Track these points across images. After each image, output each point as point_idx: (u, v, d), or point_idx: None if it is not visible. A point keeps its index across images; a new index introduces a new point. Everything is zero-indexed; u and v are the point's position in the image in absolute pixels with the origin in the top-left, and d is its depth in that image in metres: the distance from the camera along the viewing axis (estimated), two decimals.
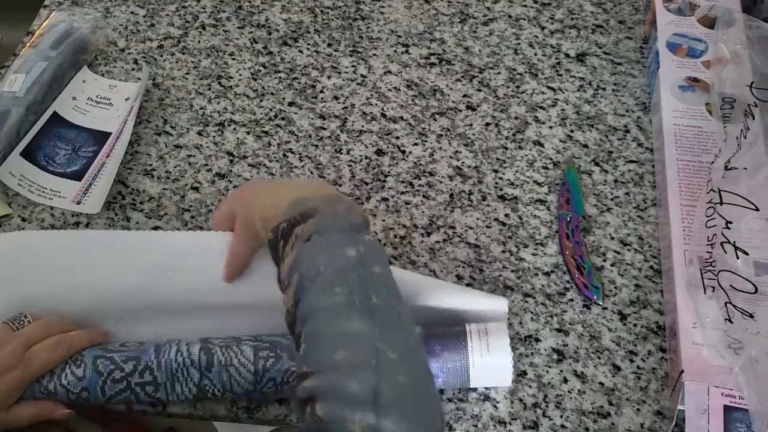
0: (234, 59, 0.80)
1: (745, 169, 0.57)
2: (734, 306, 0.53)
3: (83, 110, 0.74)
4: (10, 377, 0.50)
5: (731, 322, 0.53)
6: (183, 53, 0.81)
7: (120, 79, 0.78)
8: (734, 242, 0.54)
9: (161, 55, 0.80)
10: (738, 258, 0.54)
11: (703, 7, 0.73)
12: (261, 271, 0.54)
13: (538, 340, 0.59)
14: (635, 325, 0.60)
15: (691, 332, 0.54)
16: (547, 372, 0.58)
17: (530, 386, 0.57)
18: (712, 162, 0.60)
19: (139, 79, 0.77)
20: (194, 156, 0.72)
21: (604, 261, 0.64)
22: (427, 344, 0.53)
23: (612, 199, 0.67)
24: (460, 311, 0.56)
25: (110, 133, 0.72)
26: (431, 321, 0.55)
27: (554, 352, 0.59)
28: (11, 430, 0.52)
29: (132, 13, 0.85)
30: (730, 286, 0.54)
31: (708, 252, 0.56)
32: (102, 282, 0.56)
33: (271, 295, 0.48)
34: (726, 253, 0.54)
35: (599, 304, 0.61)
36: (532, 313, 0.61)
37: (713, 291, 0.54)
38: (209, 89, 0.77)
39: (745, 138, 0.59)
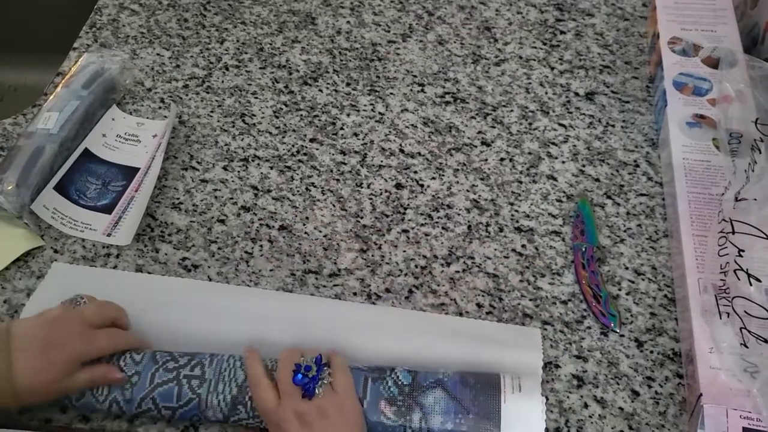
0: (257, 98, 0.83)
1: (755, 200, 0.60)
2: (749, 331, 0.55)
3: (112, 146, 0.77)
4: (73, 344, 0.53)
5: (746, 347, 0.55)
6: (207, 92, 0.84)
7: (147, 117, 0.81)
8: (747, 270, 0.57)
9: (186, 95, 0.84)
10: (751, 285, 0.56)
11: (706, 48, 0.77)
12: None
13: (558, 366, 0.61)
14: (652, 351, 0.62)
15: (708, 357, 0.56)
16: (568, 398, 0.59)
17: (552, 411, 0.58)
18: (723, 194, 0.63)
19: (165, 117, 0.81)
20: (220, 190, 0.74)
21: (620, 290, 0.66)
22: (461, 392, 0.54)
23: (625, 231, 0.70)
24: (494, 359, 0.58)
25: (138, 169, 0.75)
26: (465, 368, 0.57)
27: (574, 378, 0.60)
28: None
29: (158, 54, 0.88)
30: (745, 312, 0.56)
31: (721, 279, 0.58)
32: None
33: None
34: (739, 280, 0.56)
35: (616, 332, 0.63)
36: (551, 340, 0.63)
37: (728, 317, 0.56)
38: (233, 126, 0.80)
39: (753, 171, 0.61)
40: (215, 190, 0.74)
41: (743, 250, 0.58)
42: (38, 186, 0.71)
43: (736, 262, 0.57)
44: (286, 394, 0.52)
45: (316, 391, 0.52)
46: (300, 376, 0.52)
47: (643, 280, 0.66)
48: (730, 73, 0.72)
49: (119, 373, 0.55)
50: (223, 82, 0.85)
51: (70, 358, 0.53)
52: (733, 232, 0.58)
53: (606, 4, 0.91)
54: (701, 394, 0.54)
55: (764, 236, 0.58)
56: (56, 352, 0.53)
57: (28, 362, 0.52)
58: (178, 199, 0.74)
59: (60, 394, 0.55)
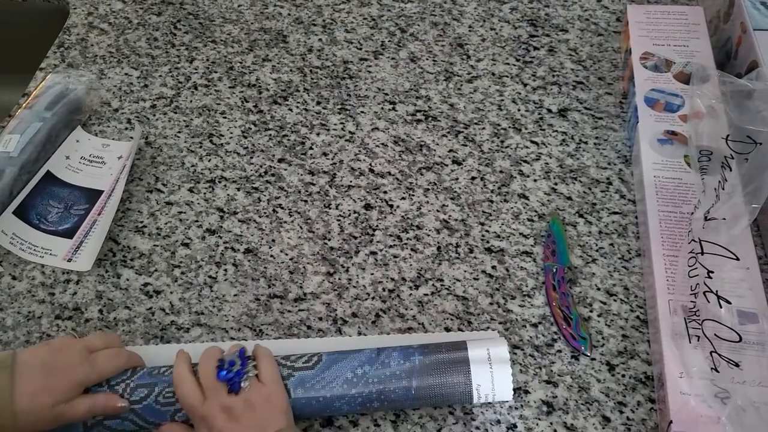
0: (225, 117, 0.82)
1: (724, 219, 0.59)
2: (719, 355, 0.54)
3: (76, 169, 0.75)
4: (77, 372, 0.53)
5: (717, 371, 0.53)
6: (175, 112, 0.82)
7: (113, 138, 0.79)
8: (717, 291, 0.55)
9: (154, 115, 0.82)
10: (721, 307, 0.55)
11: (678, 63, 0.76)
12: None
13: (527, 392, 0.59)
14: (623, 375, 0.60)
15: (678, 382, 0.54)
16: (537, 425, 0.58)
17: None
18: (692, 213, 0.62)
19: (131, 138, 0.79)
20: (185, 213, 0.73)
21: (591, 311, 0.64)
22: (429, 360, 0.55)
23: (597, 250, 0.68)
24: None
25: (102, 191, 0.73)
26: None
27: (543, 404, 0.59)
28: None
29: (126, 74, 0.87)
30: (715, 335, 0.54)
31: (692, 301, 0.57)
32: None
33: None
34: (709, 302, 0.55)
35: (587, 355, 0.61)
36: (520, 364, 0.61)
37: (698, 340, 0.55)
38: (200, 147, 0.79)
39: (723, 189, 0.60)
40: (180, 212, 0.73)
41: (713, 271, 0.56)
42: None
43: (705, 283, 0.56)
44: (210, 390, 0.52)
45: (242, 385, 0.52)
46: (224, 372, 0.52)
47: (615, 301, 0.65)
48: (701, 89, 0.71)
49: (120, 401, 0.54)
50: (191, 101, 0.84)
51: (70, 383, 0.53)
52: (702, 253, 0.57)
53: (580, 20, 0.90)
54: (671, 421, 0.52)
55: (734, 257, 0.57)
56: (57, 376, 0.53)
57: (28, 384, 0.52)
58: (141, 222, 0.72)
59: (59, 421, 0.54)
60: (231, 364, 0.53)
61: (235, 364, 0.52)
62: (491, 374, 0.54)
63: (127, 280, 0.67)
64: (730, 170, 0.62)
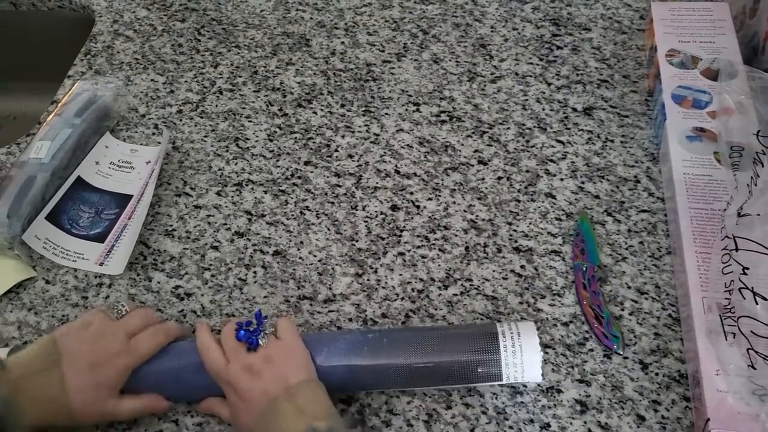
0: (250, 121, 0.82)
1: (758, 215, 0.58)
2: (756, 352, 0.53)
3: (106, 174, 0.76)
4: (118, 362, 0.54)
5: (754, 368, 0.53)
6: (201, 117, 0.83)
7: (141, 144, 0.80)
8: (752, 288, 0.55)
9: (180, 120, 0.83)
10: (757, 304, 0.54)
11: (705, 60, 0.75)
12: None
13: (560, 391, 0.59)
14: (657, 374, 0.60)
15: (714, 380, 0.54)
16: (571, 424, 0.57)
17: None
18: (725, 209, 0.61)
19: (159, 143, 0.80)
20: (213, 216, 0.73)
21: (622, 310, 0.64)
22: (459, 341, 0.56)
23: (626, 249, 0.68)
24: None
25: (132, 196, 0.74)
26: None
27: (577, 403, 0.58)
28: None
29: (152, 80, 0.88)
30: (751, 332, 0.54)
31: (726, 298, 0.56)
32: None
33: None
34: (744, 299, 0.54)
35: (620, 354, 0.61)
36: (552, 364, 0.61)
37: (734, 337, 0.54)
38: (227, 151, 0.79)
39: (755, 185, 0.60)
40: (209, 216, 0.74)
41: (748, 268, 0.56)
42: (30, 216, 0.70)
43: (740, 280, 0.55)
44: (232, 352, 0.54)
45: (260, 341, 0.54)
46: (242, 332, 0.55)
47: (646, 299, 0.64)
48: (729, 85, 0.71)
49: (164, 403, 0.57)
50: (216, 106, 0.84)
51: (117, 374, 0.54)
52: (737, 249, 0.56)
53: (603, 18, 0.90)
54: (709, 419, 0.52)
55: None
56: (103, 370, 0.54)
57: (77, 380, 0.53)
58: (171, 226, 0.73)
59: (106, 419, 0.55)
60: (248, 324, 0.55)
61: (251, 324, 0.55)
62: (520, 348, 0.55)
63: (159, 283, 0.68)
64: (762, 166, 0.62)
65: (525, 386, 0.59)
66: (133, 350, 0.55)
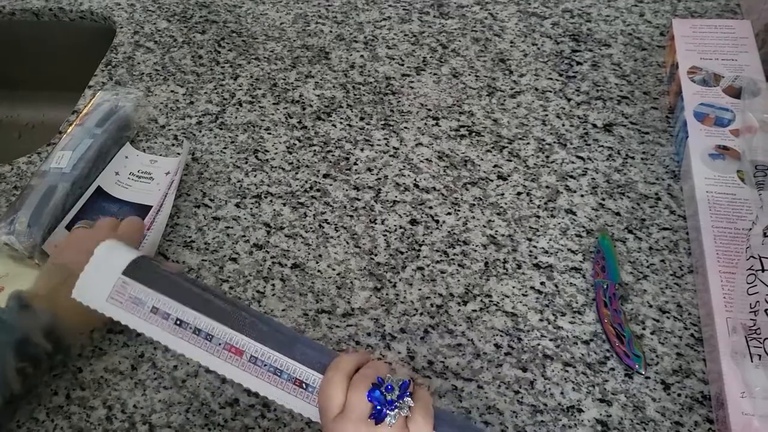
0: (270, 134, 0.83)
1: None
2: None
3: (125, 185, 0.77)
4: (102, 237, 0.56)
5: None
6: (221, 129, 0.83)
7: (160, 155, 0.81)
8: None
9: (200, 131, 0.83)
10: None
11: (727, 77, 0.75)
12: None
13: (580, 410, 0.58)
14: (679, 394, 0.59)
15: (739, 402, 0.53)
16: None
17: None
18: (750, 228, 0.61)
19: (178, 154, 0.80)
20: (232, 227, 0.73)
21: (644, 329, 0.63)
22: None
23: (648, 267, 0.67)
24: None
25: (151, 206, 0.74)
26: None
27: (598, 423, 0.58)
28: None
29: (172, 91, 0.88)
30: None
31: (752, 319, 0.55)
32: None
33: None
34: None
35: (641, 374, 0.60)
36: (573, 382, 0.60)
37: (760, 359, 0.54)
38: (246, 163, 0.80)
39: None
40: (227, 227, 0.74)
41: None
42: (50, 225, 0.70)
43: (766, 301, 0.55)
44: (351, 407, 0.44)
45: (387, 417, 0.44)
46: (377, 393, 0.44)
47: (668, 318, 0.64)
48: (752, 103, 0.70)
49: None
50: (236, 118, 0.85)
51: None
52: (763, 270, 0.56)
53: (623, 34, 0.90)
54: None
55: None
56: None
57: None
58: (190, 237, 0.73)
59: None
60: (389, 389, 0.45)
61: (392, 391, 0.45)
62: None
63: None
64: None
65: (546, 405, 0.59)
66: (120, 236, 0.60)
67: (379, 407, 0.44)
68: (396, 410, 0.44)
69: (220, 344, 0.48)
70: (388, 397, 0.44)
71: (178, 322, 0.49)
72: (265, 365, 0.48)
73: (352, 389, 0.45)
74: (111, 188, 0.76)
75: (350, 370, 0.46)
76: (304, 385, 0.47)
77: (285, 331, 0.51)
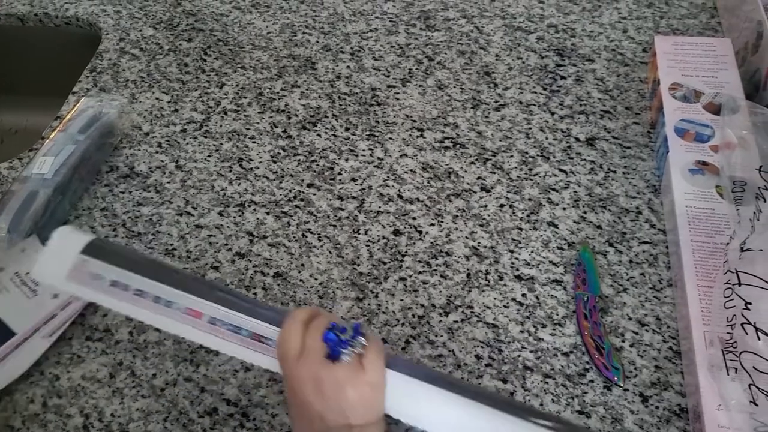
0: (254, 142, 0.83)
1: (761, 250, 0.58)
2: (758, 388, 0.53)
3: (4, 288, 0.66)
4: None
5: (756, 405, 0.52)
6: (205, 137, 0.83)
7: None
8: (755, 323, 0.55)
9: (184, 139, 0.83)
10: (759, 339, 0.54)
11: (707, 94, 0.76)
12: None
13: None
14: (657, 407, 0.59)
15: (715, 415, 0.54)
16: None
17: None
18: (727, 243, 0.61)
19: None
20: (215, 236, 0.73)
21: (623, 341, 0.64)
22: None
23: (628, 280, 0.68)
24: None
25: (14, 334, 0.62)
26: None
27: None
28: None
29: (157, 99, 0.88)
30: (753, 368, 0.54)
31: (728, 333, 0.56)
32: None
33: None
34: (747, 334, 0.54)
35: (620, 386, 0.61)
36: (552, 394, 0.60)
37: (736, 372, 0.54)
38: (230, 171, 0.79)
39: (758, 220, 0.60)
40: (210, 236, 0.73)
41: (750, 303, 0.56)
42: (30, 231, 0.70)
43: (743, 315, 0.55)
44: (310, 350, 0.46)
45: (343, 354, 0.46)
46: (332, 334, 0.47)
47: (647, 331, 0.64)
48: (732, 120, 0.71)
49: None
50: (221, 126, 0.85)
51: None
52: (740, 284, 0.56)
53: (606, 50, 0.91)
54: None
55: None
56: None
57: None
58: (171, 245, 0.72)
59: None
60: (342, 330, 0.47)
61: (346, 332, 0.47)
62: None
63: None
64: (765, 201, 0.62)
65: None
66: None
67: (334, 346, 0.46)
68: (350, 348, 0.46)
69: (179, 309, 0.50)
70: (343, 337, 0.46)
71: (137, 293, 0.50)
72: (225, 324, 0.49)
73: (309, 334, 0.47)
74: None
75: (306, 318, 0.48)
76: (263, 339, 0.49)
77: (244, 298, 0.52)
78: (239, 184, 0.78)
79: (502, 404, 0.46)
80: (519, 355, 0.63)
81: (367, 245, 0.72)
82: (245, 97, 0.88)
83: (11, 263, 0.67)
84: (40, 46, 1.05)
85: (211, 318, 0.50)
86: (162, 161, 0.81)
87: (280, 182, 0.78)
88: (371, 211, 0.75)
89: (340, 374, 0.45)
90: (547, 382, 0.61)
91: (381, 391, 0.46)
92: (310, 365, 0.46)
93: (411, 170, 0.79)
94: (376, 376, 0.46)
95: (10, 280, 0.66)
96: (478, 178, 0.78)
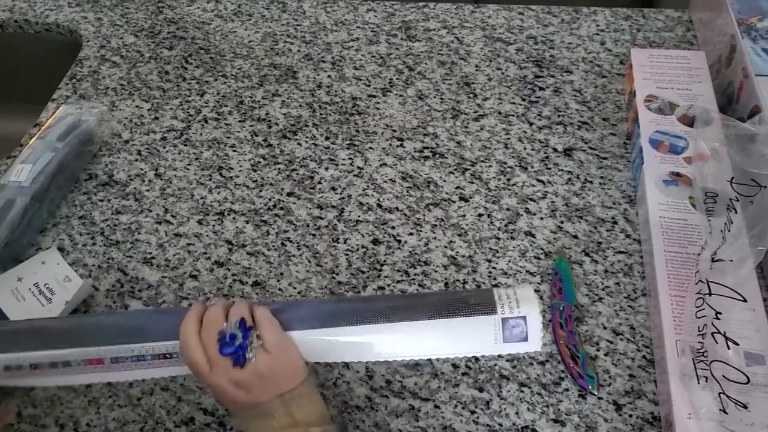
0: (235, 151, 0.83)
1: (731, 261, 0.59)
2: (728, 396, 0.54)
3: (21, 296, 0.68)
4: None
5: (726, 413, 0.53)
6: (185, 145, 0.83)
7: (84, 275, 0.71)
8: (724, 332, 0.56)
9: (164, 147, 0.83)
10: (729, 348, 0.55)
11: (682, 106, 0.77)
12: None
13: (534, 431, 0.59)
14: (630, 415, 0.60)
15: (686, 423, 0.54)
16: None
17: None
18: (699, 254, 0.62)
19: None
20: (194, 244, 0.73)
21: (598, 350, 0.64)
22: (455, 308, 0.50)
23: (603, 289, 0.69)
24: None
25: None
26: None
27: None
28: None
29: (137, 107, 0.88)
30: (723, 376, 0.55)
31: (699, 342, 0.57)
32: None
33: None
34: (717, 343, 0.55)
35: (594, 394, 0.61)
36: (528, 403, 0.61)
37: (707, 381, 0.55)
38: (210, 180, 0.80)
39: (729, 231, 0.61)
40: (189, 244, 0.73)
41: (720, 313, 0.57)
42: (7, 239, 0.69)
43: (713, 324, 0.56)
44: (215, 363, 0.48)
45: (247, 357, 0.48)
46: (227, 348, 0.49)
47: (621, 340, 0.65)
48: (705, 132, 0.72)
49: None
50: (201, 134, 0.85)
51: None
52: (710, 294, 0.57)
53: (584, 62, 0.92)
54: None
55: (741, 298, 0.57)
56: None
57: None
58: (150, 253, 0.72)
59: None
60: (232, 337, 0.49)
61: (236, 338, 0.49)
62: (516, 298, 0.49)
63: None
64: (736, 212, 0.63)
65: (501, 425, 0.59)
66: None
67: (236, 356, 0.48)
68: (248, 347, 0.49)
69: (79, 364, 0.51)
70: (237, 343, 0.49)
71: (33, 366, 0.51)
72: (127, 359, 0.51)
73: (208, 348, 0.49)
74: (4, 296, 0.66)
75: (197, 328, 0.50)
76: (167, 355, 0.51)
77: (129, 322, 0.53)
78: (219, 193, 0.78)
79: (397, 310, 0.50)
80: (495, 364, 0.64)
81: (346, 254, 0.72)
82: (226, 106, 0.88)
83: (31, 275, 0.69)
84: (20, 52, 1.04)
85: (113, 359, 0.51)
86: (141, 169, 0.80)
87: (260, 191, 0.78)
88: (351, 220, 0.75)
89: (254, 368, 0.48)
90: (522, 391, 0.62)
91: (292, 353, 0.50)
92: (222, 376, 0.49)
93: (390, 180, 0.79)
94: (281, 345, 0.50)
95: (29, 290, 0.68)
96: (457, 187, 0.79)
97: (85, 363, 0.51)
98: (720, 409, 0.54)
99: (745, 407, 0.53)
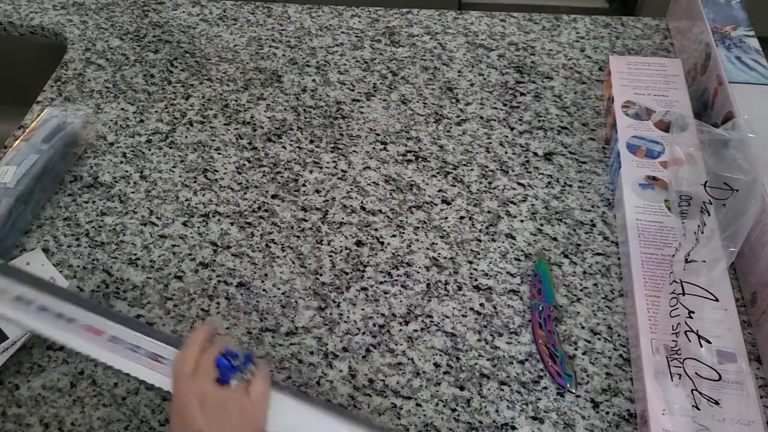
0: (220, 153, 0.83)
1: (704, 262, 0.61)
2: (700, 393, 0.55)
3: None
4: None
5: (698, 409, 0.55)
6: (170, 148, 0.84)
7: (70, 276, 0.70)
8: (697, 331, 0.57)
9: (149, 149, 0.84)
10: (702, 346, 0.57)
11: (658, 112, 0.79)
12: None
13: (514, 428, 0.61)
14: (607, 412, 0.62)
15: (660, 419, 0.56)
16: None
17: None
18: (673, 255, 0.64)
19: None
20: (178, 246, 0.74)
21: (576, 350, 0.66)
22: None
23: (581, 290, 0.70)
24: None
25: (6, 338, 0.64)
26: None
27: None
28: None
29: (122, 109, 0.89)
30: (696, 373, 0.56)
31: (673, 340, 0.59)
32: None
33: None
34: (690, 341, 0.57)
35: (572, 392, 0.63)
36: (507, 401, 0.62)
37: (680, 378, 0.57)
38: (195, 182, 0.80)
39: (702, 233, 0.63)
40: (174, 245, 0.74)
41: (693, 312, 0.59)
42: None
43: (686, 323, 0.58)
44: (201, 370, 0.49)
45: (231, 381, 0.49)
46: (224, 360, 0.50)
47: (599, 339, 0.67)
48: (680, 137, 0.74)
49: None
50: (186, 137, 0.85)
51: None
52: (684, 294, 0.59)
53: (564, 68, 0.94)
54: None
55: (713, 298, 0.59)
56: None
57: None
58: (135, 254, 0.73)
59: None
60: (234, 356, 0.51)
61: (237, 358, 0.50)
62: None
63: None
64: (709, 215, 0.65)
65: (481, 423, 0.61)
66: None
67: (224, 371, 0.49)
68: (239, 374, 0.50)
69: (81, 326, 0.52)
70: (234, 363, 0.50)
71: (41, 308, 0.52)
72: (124, 342, 0.52)
73: (203, 355, 0.50)
74: None
75: (203, 341, 0.51)
76: (159, 358, 0.52)
77: (144, 324, 0.56)
78: (204, 195, 0.79)
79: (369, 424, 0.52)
80: (476, 363, 0.65)
81: (330, 256, 0.73)
82: (211, 109, 0.89)
83: None
84: (5, 55, 1.04)
85: (112, 336, 0.52)
86: (126, 171, 0.81)
87: (245, 193, 0.79)
88: (334, 222, 0.76)
89: (226, 395, 0.49)
90: (502, 389, 0.63)
91: (261, 415, 0.50)
92: (199, 383, 0.49)
93: (374, 182, 0.81)
94: (259, 403, 0.50)
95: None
96: (439, 190, 0.80)
97: (87, 328, 0.52)
98: (693, 405, 0.55)
99: (717, 403, 0.55)
